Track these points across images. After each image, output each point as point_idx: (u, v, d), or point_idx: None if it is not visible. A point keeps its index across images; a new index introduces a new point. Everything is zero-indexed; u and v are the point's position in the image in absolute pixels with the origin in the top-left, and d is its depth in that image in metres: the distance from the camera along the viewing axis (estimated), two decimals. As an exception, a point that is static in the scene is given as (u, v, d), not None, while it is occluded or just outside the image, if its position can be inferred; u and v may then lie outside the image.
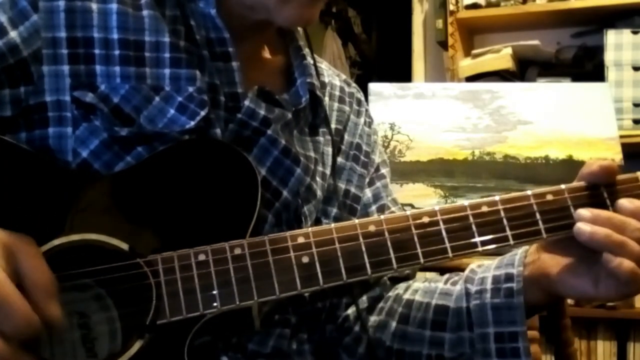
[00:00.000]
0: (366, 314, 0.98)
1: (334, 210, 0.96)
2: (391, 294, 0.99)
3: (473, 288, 0.89)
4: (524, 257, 0.87)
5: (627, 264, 0.75)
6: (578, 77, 2.72)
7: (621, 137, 1.93)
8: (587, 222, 0.77)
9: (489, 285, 0.88)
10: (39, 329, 0.63)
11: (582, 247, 0.78)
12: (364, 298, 0.99)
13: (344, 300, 0.99)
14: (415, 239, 0.78)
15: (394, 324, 0.95)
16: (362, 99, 1.09)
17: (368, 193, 1.02)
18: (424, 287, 0.96)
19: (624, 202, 0.79)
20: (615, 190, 0.81)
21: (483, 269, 0.91)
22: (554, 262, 0.83)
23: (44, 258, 0.67)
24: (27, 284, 0.64)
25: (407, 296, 0.96)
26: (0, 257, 0.62)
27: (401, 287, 1.00)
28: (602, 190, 0.80)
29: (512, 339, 0.85)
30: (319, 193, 0.94)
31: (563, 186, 0.81)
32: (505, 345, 0.86)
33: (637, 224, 0.77)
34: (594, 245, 0.76)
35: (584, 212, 0.78)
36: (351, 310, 0.99)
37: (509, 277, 0.86)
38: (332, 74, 1.05)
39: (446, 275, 0.96)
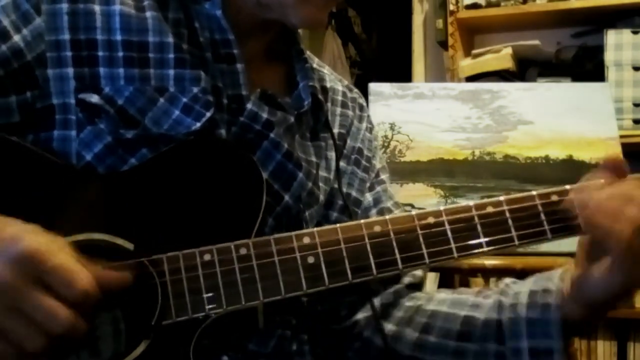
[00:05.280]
0: (381, 319, 0.96)
1: (334, 214, 0.97)
2: (410, 303, 0.97)
3: (507, 301, 0.88)
4: (564, 272, 0.85)
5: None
6: (578, 77, 2.72)
7: (621, 137, 1.93)
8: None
9: (525, 299, 0.86)
10: (93, 302, 0.65)
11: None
12: (376, 303, 0.97)
13: (346, 300, 0.99)
14: (421, 239, 0.78)
15: (415, 334, 0.94)
16: (364, 104, 1.09)
17: (369, 197, 1.02)
18: (452, 299, 0.95)
19: None
20: None
21: (519, 284, 0.90)
22: (587, 261, 0.80)
23: None
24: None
25: (431, 307, 0.95)
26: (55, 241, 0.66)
27: (422, 297, 0.98)
28: None
29: (548, 354, 0.83)
30: (321, 198, 0.94)
31: (568, 187, 0.81)
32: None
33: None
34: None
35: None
36: (362, 316, 0.98)
37: (546, 291, 0.85)
38: (334, 79, 1.05)
39: (477, 288, 0.96)
